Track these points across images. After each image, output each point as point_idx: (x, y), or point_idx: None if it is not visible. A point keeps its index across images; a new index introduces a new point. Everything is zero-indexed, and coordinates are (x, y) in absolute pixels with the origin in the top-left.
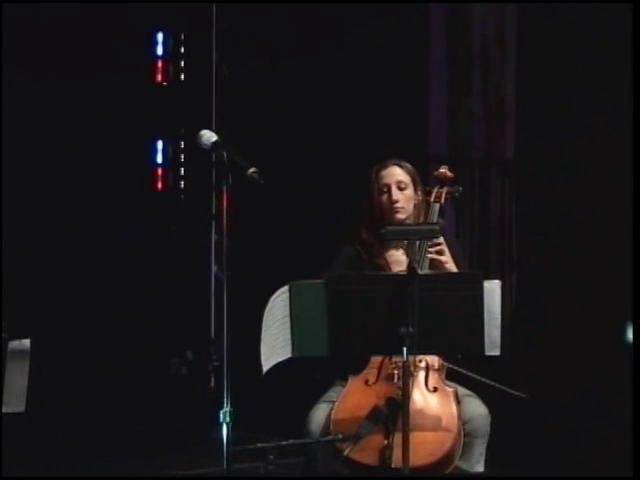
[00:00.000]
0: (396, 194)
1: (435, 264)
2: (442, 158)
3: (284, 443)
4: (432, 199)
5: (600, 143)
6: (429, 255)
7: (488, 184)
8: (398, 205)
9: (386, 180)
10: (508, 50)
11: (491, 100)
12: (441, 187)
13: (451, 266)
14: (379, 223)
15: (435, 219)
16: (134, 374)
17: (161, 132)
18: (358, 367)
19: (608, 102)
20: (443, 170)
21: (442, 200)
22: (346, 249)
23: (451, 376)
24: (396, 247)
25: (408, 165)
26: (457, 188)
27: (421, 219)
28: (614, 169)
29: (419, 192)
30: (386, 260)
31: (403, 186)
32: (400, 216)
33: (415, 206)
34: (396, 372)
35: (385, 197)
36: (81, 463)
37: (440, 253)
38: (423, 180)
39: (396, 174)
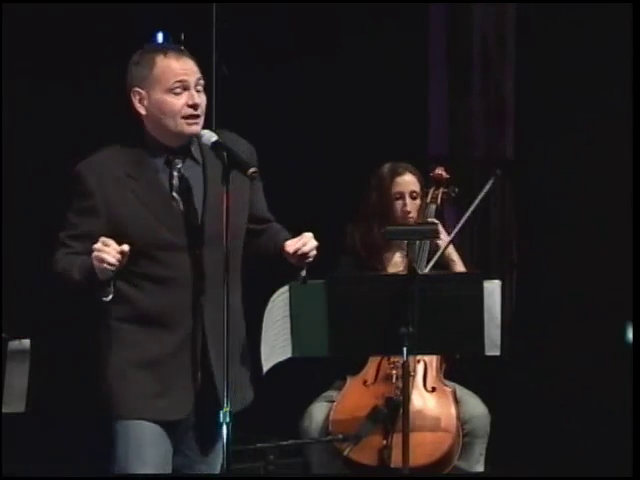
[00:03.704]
0: (410, 205)
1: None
2: (442, 158)
3: (284, 443)
4: (428, 200)
5: (600, 143)
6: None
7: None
8: (410, 216)
9: (400, 188)
10: (508, 50)
11: (491, 100)
12: (437, 188)
13: (449, 249)
14: (386, 224)
15: (432, 220)
16: None
17: None
18: (357, 367)
19: (608, 102)
20: (439, 171)
21: (438, 201)
22: (344, 258)
23: (450, 375)
24: (395, 250)
25: (417, 171)
26: (453, 189)
27: (420, 219)
28: (614, 169)
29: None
30: (383, 262)
31: (415, 195)
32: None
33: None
34: (394, 372)
35: (398, 205)
36: (81, 463)
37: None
38: (424, 182)
39: (410, 183)
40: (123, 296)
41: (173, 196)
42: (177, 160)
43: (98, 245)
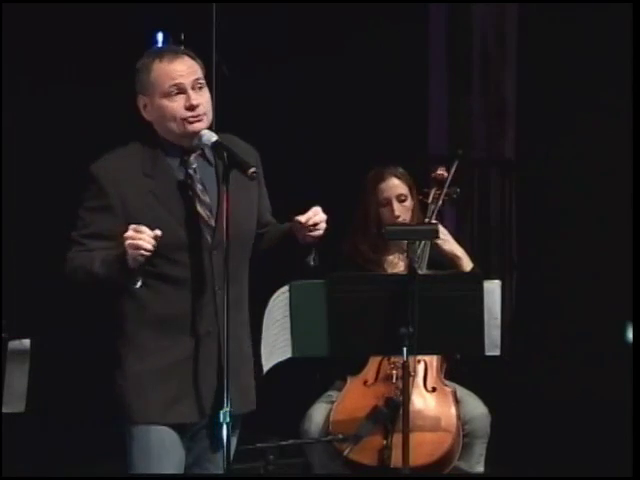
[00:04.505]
0: (398, 209)
1: (436, 249)
2: (442, 158)
3: (284, 443)
4: (429, 201)
5: (600, 143)
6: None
7: (488, 184)
8: (401, 219)
9: (386, 194)
10: (508, 50)
11: (491, 100)
12: (438, 188)
13: (452, 247)
14: (376, 233)
15: (432, 221)
16: None
17: None
18: (357, 367)
19: (608, 102)
20: (441, 172)
21: (440, 202)
22: (342, 260)
23: (450, 376)
24: (391, 252)
25: (404, 173)
26: (455, 189)
27: (417, 220)
28: (614, 169)
29: (415, 196)
30: (383, 267)
31: (403, 198)
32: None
33: (411, 210)
34: (394, 372)
35: (386, 211)
36: (81, 463)
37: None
38: (422, 181)
39: (396, 187)
40: (138, 299)
41: (190, 196)
42: (192, 160)
43: (130, 233)
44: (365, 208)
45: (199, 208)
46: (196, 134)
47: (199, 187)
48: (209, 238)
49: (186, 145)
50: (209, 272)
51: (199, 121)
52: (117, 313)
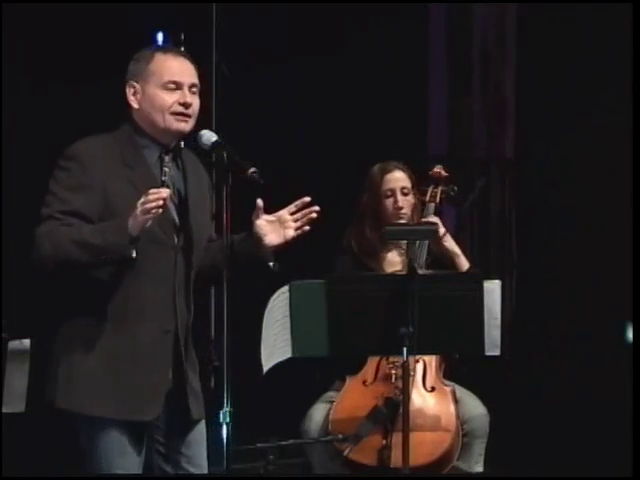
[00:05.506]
0: (402, 201)
1: (438, 246)
2: (442, 158)
3: (284, 443)
4: (427, 199)
5: (600, 143)
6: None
7: (488, 184)
8: (403, 212)
9: (391, 185)
10: (508, 50)
11: (491, 100)
12: (436, 187)
13: (452, 244)
14: (381, 224)
15: (432, 218)
16: None
17: None
18: (356, 367)
19: (608, 102)
20: (438, 170)
21: (437, 200)
22: (341, 258)
23: (449, 375)
24: (391, 249)
25: (407, 169)
26: (452, 187)
27: (416, 219)
28: (614, 169)
29: (416, 195)
30: (379, 262)
31: (406, 191)
32: (403, 222)
33: (412, 206)
34: (393, 372)
35: (389, 202)
36: (80, 463)
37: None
38: (423, 181)
39: (400, 179)
40: (101, 288)
41: None
42: (168, 159)
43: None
44: (375, 198)
45: (170, 207)
46: (178, 133)
47: (173, 186)
48: (177, 236)
49: (164, 142)
50: (172, 271)
51: (185, 122)
52: (77, 302)
